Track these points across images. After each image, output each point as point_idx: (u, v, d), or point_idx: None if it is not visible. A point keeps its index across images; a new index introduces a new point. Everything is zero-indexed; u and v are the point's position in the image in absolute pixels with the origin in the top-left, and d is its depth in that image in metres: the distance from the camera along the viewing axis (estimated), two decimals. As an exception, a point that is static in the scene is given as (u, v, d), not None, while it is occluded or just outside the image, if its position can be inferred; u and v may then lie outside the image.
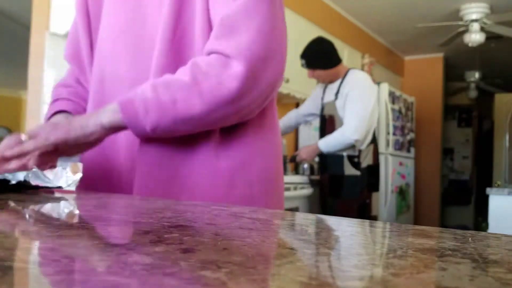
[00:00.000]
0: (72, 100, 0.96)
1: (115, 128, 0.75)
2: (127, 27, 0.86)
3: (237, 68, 0.70)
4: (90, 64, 0.93)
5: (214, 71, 0.71)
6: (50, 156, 0.74)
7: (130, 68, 0.85)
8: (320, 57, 2.62)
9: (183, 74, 0.72)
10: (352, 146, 2.58)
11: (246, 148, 0.83)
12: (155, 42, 0.81)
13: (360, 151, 2.61)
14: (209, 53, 0.74)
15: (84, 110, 0.95)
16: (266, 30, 0.73)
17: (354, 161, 2.59)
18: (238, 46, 0.71)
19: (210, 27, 0.78)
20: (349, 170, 2.60)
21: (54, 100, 0.96)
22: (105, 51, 0.89)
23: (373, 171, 2.66)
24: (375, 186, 2.69)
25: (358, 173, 2.59)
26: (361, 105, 2.52)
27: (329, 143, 2.60)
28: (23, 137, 0.72)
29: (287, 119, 2.99)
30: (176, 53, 0.80)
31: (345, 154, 2.60)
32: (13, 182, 0.64)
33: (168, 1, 0.79)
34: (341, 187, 2.61)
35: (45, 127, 0.75)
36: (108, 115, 0.73)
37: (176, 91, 0.71)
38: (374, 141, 2.69)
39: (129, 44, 0.86)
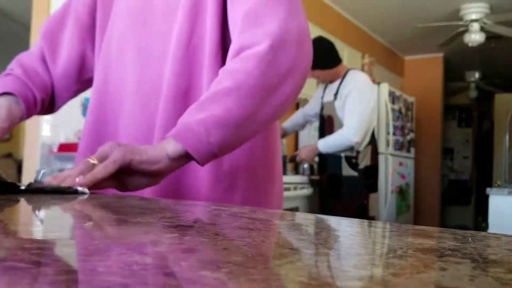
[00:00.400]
0: (24, 82, 0.91)
1: (180, 159, 0.68)
2: (134, 30, 0.87)
3: (260, 48, 0.71)
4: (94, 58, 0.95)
5: (250, 64, 0.70)
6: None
7: (135, 72, 0.85)
8: (320, 57, 2.61)
9: (222, 82, 0.71)
10: (351, 148, 2.58)
11: (250, 149, 0.84)
12: (162, 48, 0.83)
13: (358, 152, 2.61)
14: (239, 49, 0.73)
15: (33, 98, 0.90)
16: (290, 20, 0.74)
17: (352, 162, 2.59)
18: (263, 33, 0.72)
19: (222, 33, 0.80)
20: (347, 171, 2.60)
21: (7, 74, 0.92)
22: (111, 51, 0.90)
23: (371, 172, 2.66)
24: (373, 187, 2.69)
25: (355, 174, 2.59)
26: (361, 107, 2.52)
27: (328, 144, 2.60)
28: (93, 160, 0.66)
29: (295, 118, 2.99)
30: (191, 60, 0.80)
31: (343, 155, 2.60)
32: (22, 187, 0.64)
33: (182, 12, 0.81)
34: (340, 187, 2.62)
35: (112, 148, 0.67)
36: (171, 144, 0.67)
37: (226, 99, 0.69)
38: (372, 142, 2.68)
39: (135, 48, 0.87)
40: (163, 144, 0.68)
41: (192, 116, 0.68)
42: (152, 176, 0.68)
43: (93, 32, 0.97)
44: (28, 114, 0.91)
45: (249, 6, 0.74)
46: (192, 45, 0.81)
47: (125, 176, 0.67)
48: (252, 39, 0.72)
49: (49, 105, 0.99)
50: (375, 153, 2.71)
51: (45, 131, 2.42)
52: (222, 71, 0.73)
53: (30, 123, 2.48)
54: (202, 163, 0.69)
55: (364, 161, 2.62)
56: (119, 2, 0.91)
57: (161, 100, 0.81)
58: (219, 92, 0.69)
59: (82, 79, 1.00)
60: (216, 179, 0.80)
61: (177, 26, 0.81)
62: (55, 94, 0.99)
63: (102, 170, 0.64)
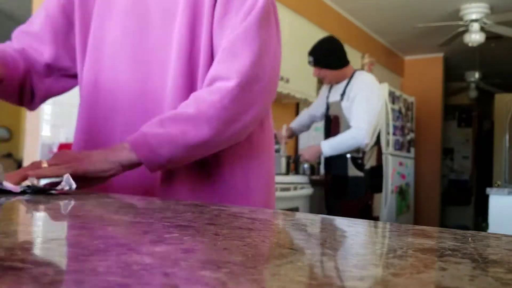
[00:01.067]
0: (12, 59, 0.92)
1: (132, 165, 0.78)
2: (129, 37, 0.89)
3: (228, 84, 0.78)
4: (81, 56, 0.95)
5: (216, 97, 0.78)
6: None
7: (133, 80, 0.88)
8: (330, 56, 2.59)
9: (186, 107, 0.79)
10: (357, 149, 2.56)
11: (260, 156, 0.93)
12: (161, 57, 0.86)
13: (364, 153, 2.59)
14: (212, 79, 0.81)
15: (12, 60, 0.91)
16: (261, 54, 0.81)
17: (358, 163, 2.58)
18: (235, 69, 0.79)
19: (212, 48, 0.85)
20: (353, 171, 2.58)
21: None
22: (103, 56, 0.91)
23: (376, 172, 2.65)
24: (378, 187, 2.67)
25: (361, 174, 2.57)
26: (369, 107, 2.51)
27: (334, 146, 2.56)
28: (44, 163, 0.74)
29: (301, 119, 2.99)
30: (191, 70, 0.85)
31: (349, 155, 2.58)
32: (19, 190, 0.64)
33: (182, 20, 0.84)
34: (345, 188, 2.60)
35: (65, 156, 0.77)
36: (125, 153, 0.77)
37: (184, 123, 0.77)
38: (378, 142, 2.67)
39: (131, 55, 0.88)
40: (118, 151, 0.77)
41: (151, 129, 0.77)
42: (106, 178, 0.78)
43: (66, 30, 0.97)
44: (7, 73, 0.89)
45: (230, 38, 0.81)
46: (192, 56, 0.85)
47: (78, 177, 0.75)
48: (225, 72, 0.80)
49: (30, 94, 0.99)
50: (380, 154, 2.69)
51: (45, 131, 2.43)
52: (192, 96, 0.81)
53: (30, 123, 2.48)
54: (151, 171, 0.78)
55: (370, 162, 2.61)
56: (110, 6, 0.91)
57: (165, 109, 0.85)
58: (182, 115, 0.78)
59: (54, 75, 1.00)
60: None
61: (177, 35, 0.85)
62: (32, 82, 0.98)
63: (52, 170, 0.73)
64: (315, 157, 2.71)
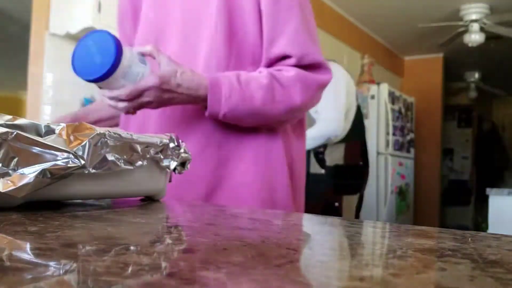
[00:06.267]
0: None
1: (197, 98, 0.83)
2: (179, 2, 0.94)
3: (293, 71, 0.88)
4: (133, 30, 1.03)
5: (287, 84, 0.86)
6: None
7: (180, 45, 0.92)
8: None
9: (263, 77, 0.85)
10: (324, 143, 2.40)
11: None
12: (203, 22, 0.90)
13: (325, 146, 2.44)
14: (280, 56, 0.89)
15: None
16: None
17: (319, 157, 2.43)
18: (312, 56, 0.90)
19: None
20: (314, 167, 2.43)
21: None
22: (154, 23, 0.97)
23: (342, 171, 2.45)
24: (345, 188, 2.47)
25: (322, 171, 2.42)
26: (336, 98, 2.36)
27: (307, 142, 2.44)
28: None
29: None
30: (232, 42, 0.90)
31: (312, 150, 2.43)
32: None
33: None
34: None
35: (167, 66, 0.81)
36: (205, 83, 0.82)
37: (257, 89, 0.84)
38: (348, 139, 2.48)
39: (178, 20, 0.93)
40: (200, 79, 0.82)
41: (229, 79, 0.83)
42: (173, 100, 0.82)
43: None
44: None
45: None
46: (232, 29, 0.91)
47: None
48: (302, 52, 0.88)
49: None
50: (354, 152, 2.48)
51: (45, 131, 2.42)
52: (267, 71, 0.87)
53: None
54: (208, 114, 0.84)
55: (332, 159, 2.43)
56: None
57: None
58: (257, 82, 0.84)
59: None
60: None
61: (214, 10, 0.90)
62: None
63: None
64: None
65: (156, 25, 0.96)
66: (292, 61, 0.87)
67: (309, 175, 2.37)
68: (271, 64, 0.89)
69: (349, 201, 2.49)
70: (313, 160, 2.43)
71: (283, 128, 0.94)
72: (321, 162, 2.43)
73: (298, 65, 0.88)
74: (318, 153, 2.42)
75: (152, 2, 0.97)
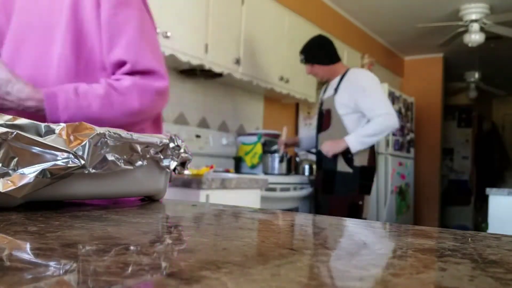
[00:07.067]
0: None
1: (26, 108, 0.92)
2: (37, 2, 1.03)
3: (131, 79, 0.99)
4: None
5: (125, 92, 0.98)
6: None
7: (39, 52, 1.01)
8: (319, 52, 2.62)
9: (100, 87, 0.96)
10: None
11: None
12: (57, 31, 1.00)
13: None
14: (121, 63, 1.00)
15: None
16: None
17: (348, 157, 2.54)
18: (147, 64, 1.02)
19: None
20: (342, 166, 2.55)
21: None
22: (18, 28, 1.04)
23: (367, 172, 2.59)
24: (367, 189, 2.61)
25: (350, 170, 2.54)
26: (384, 95, 2.54)
27: (364, 140, 2.49)
28: None
29: (310, 132, 2.97)
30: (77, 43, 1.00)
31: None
32: None
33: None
34: (333, 183, 2.57)
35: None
36: (37, 96, 0.92)
37: (94, 98, 0.95)
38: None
39: (37, 28, 1.01)
40: (34, 91, 0.92)
41: (66, 91, 0.93)
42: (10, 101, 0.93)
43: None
44: None
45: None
46: (78, 28, 1.02)
47: None
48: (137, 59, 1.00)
49: None
50: (372, 155, 2.63)
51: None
52: (106, 82, 0.98)
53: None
54: (51, 121, 0.92)
55: (360, 161, 2.56)
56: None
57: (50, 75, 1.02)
58: (94, 92, 0.95)
59: None
60: None
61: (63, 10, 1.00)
62: None
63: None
64: (334, 151, 2.54)
65: (19, 31, 1.05)
66: (127, 67, 0.99)
67: (335, 172, 2.55)
68: (112, 71, 1.01)
69: (367, 201, 2.63)
70: (340, 159, 2.55)
71: (140, 128, 1.04)
72: (349, 161, 2.55)
73: (134, 71, 0.99)
74: (347, 152, 2.53)
75: (18, 10, 1.06)
